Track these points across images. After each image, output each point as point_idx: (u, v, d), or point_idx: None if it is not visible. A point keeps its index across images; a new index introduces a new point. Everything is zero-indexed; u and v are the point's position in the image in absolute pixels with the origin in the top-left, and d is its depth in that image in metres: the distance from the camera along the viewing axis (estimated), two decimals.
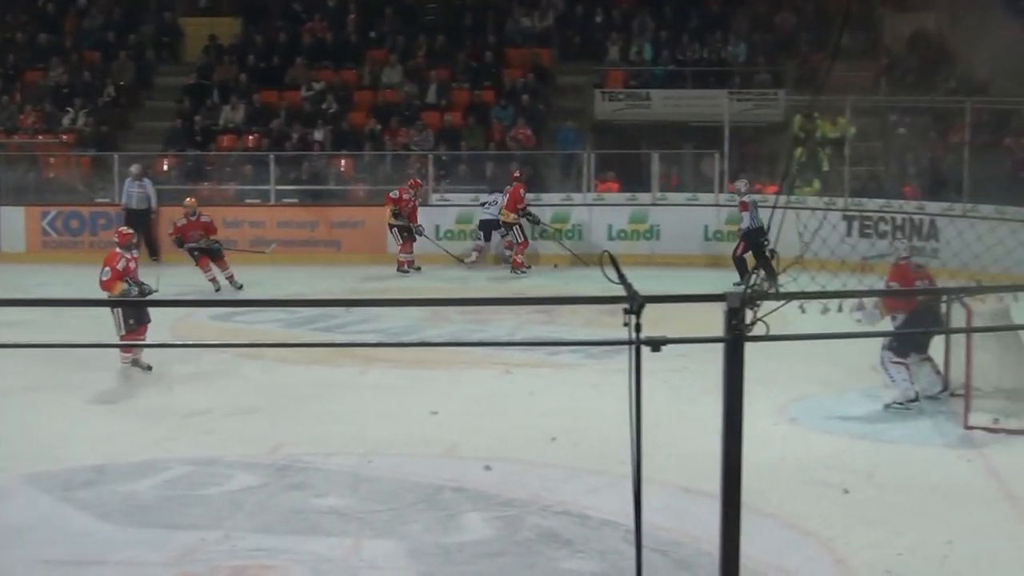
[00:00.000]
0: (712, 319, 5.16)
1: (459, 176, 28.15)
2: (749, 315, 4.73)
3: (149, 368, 16.50)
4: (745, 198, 22.73)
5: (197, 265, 23.00)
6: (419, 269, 25.13)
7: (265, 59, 31.98)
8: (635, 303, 4.80)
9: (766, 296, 4.78)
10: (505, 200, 25.27)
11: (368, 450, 13.30)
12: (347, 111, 30.24)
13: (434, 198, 27.13)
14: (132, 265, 16.76)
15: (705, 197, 26.31)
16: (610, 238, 25.46)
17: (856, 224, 24.36)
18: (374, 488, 12.09)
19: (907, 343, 14.96)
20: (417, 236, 25.60)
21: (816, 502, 12.00)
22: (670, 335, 4.88)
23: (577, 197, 26.68)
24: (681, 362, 15.39)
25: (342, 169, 29.53)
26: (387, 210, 25.69)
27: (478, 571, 10.42)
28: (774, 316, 4.79)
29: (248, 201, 28.71)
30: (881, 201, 24.75)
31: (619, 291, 4.85)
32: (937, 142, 26.53)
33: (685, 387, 14.92)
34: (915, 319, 14.87)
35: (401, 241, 25.59)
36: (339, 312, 19.65)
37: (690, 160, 29.07)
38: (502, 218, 25.29)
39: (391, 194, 25.73)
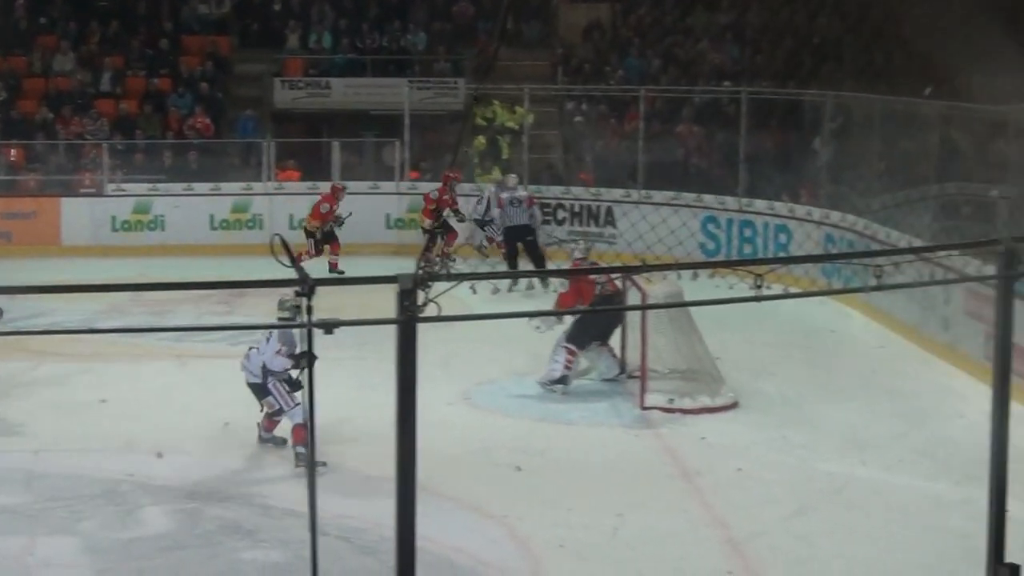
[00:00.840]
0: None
1: (136, 165, 27.49)
2: (422, 297, 4.76)
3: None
4: (503, 195, 22.29)
5: None
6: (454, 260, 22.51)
7: None
8: (306, 286, 4.79)
9: (437, 277, 4.81)
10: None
11: (41, 446, 12.94)
12: (16, 99, 29.23)
13: (110, 188, 26.45)
14: None
15: (386, 185, 26.31)
16: (291, 227, 25.17)
17: (536, 211, 24.73)
18: (48, 484, 11.77)
19: (586, 333, 15.27)
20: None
21: (497, 484, 12.21)
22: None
23: (257, 186, 26.37)
24: (366, 350, 15.40)
25: (12, 159, 28.49)
26: (424, 217, 23.06)
27: (158, 565, 10.27)
28: (450, 301, 4.83)
29: None
30: (560, 188, 25.20)
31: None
32: (613, 130, 27.14)
33: (368, 374, 14.94)
34: (593, 314, 15.23)
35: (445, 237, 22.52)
36: (4, 305, 18.99)
37: (371, 148, 29.03)
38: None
39: (431, 195, 23.26)
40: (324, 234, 23.32)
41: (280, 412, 12.80)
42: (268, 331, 13.26)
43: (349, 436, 12.59)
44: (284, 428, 12.87)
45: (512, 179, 22.68)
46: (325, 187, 25.79)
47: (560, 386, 15.02)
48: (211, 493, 11.89)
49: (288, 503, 11.22)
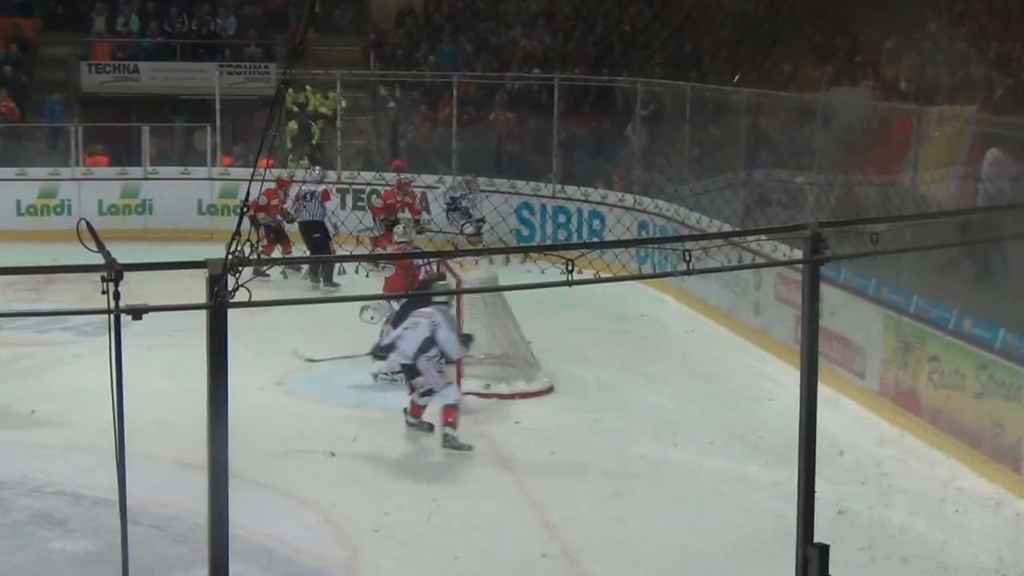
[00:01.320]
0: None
1: None
2: (232, 282, 4.67)
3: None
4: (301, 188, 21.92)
5: None
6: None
7: None
8: (113, 271, 4.67)
9: (247, 262, 4.73)
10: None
11: None
12: None
13: None
14: None
15: (198, 171, 25.97)
16: (101, 213, 24.72)
17: (350, 197, 24.60)
18: None
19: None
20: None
21: (312, 470, 12.17)
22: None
23: (65, 172, 25.82)
24: (179, 337, 15.19)
25: None
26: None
27: None
28: (264, 289, 4.74)
29: None
30: (372, 174, 25.10)
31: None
32: (426, 117, 27.13)
33: (182, 361, 14.70)
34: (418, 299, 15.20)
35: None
36: None
37: (182, 133, 28.63)
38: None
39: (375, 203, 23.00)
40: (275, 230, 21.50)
41: (431, 392, 13.05)
42: (414, 318, 13.40)
43: (161, 424, 12.37)
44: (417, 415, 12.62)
45: (315, 173, 22.42)
46: (135, 172, 25.40)
47: (401, 375, 14.90)
48: (20, 482, 11.62)
49: (99, 492, 11.00)
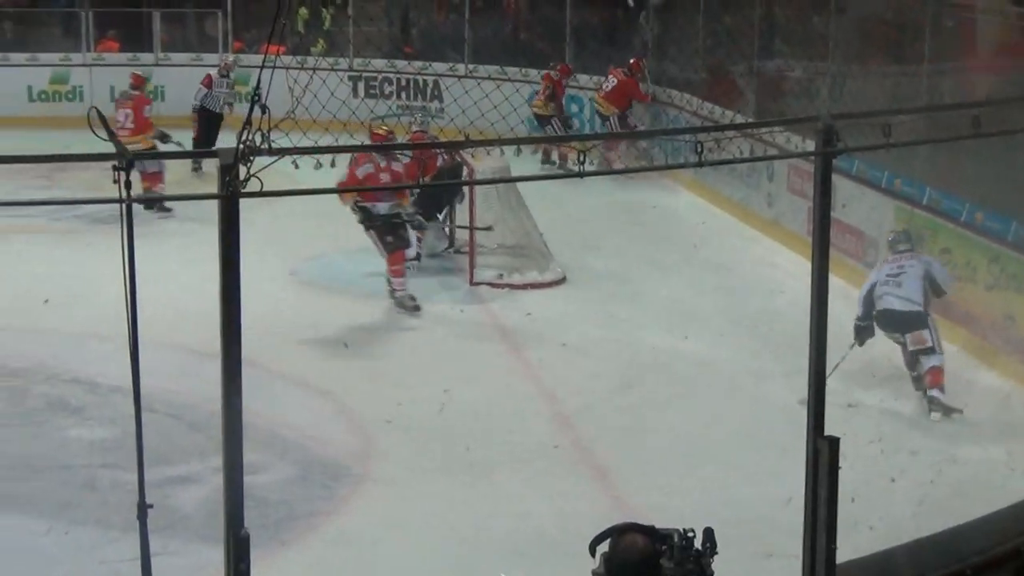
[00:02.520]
0: None
1: None
2: (244, 171, 4.65)
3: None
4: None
5: None
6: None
7: None
8: (124, 160, 4.66)
9: (259, 151, 4.71)
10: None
11: None
12: None
13: None
14: None
15: (209, 57, 25.81)
16: (112, 99, 24.59)
17: (362, 85, 24.48)
18: None
19: (427, 205, 15.19)
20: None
21: (325, 360, 12.22)
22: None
23: (76, 57, 25.70)
24: (192, 226, 15.23)
25: None
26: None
27: None
28: (275, 177, 4.72)
29: None
30: (383, 62, 24.94)
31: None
32: (438, 3, 26.93)
33: (195, 249, 14.69)
34: (436, 181, 15.19)
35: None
36: None
37: (192, 19, 28.42)
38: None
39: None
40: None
41: (932, 351, 11.39)
42: (904, 254, 11.92)
43: (176, 312, 12.40)
44: None
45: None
46: (147, 58, 25.28)
47: (415, 263, 14.90)
48: (36, 370, 11.68)
49: (114, 380, 10.99)
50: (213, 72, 21.60)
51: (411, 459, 10.19)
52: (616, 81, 21.03)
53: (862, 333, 11.59)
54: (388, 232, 13.93)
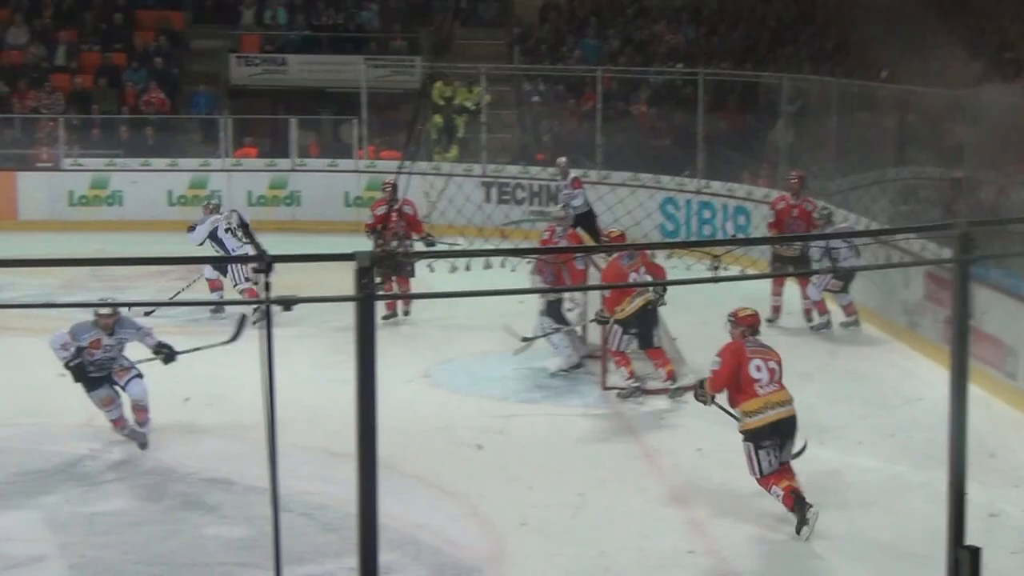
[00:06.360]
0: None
1: (92, 140, 27.28)
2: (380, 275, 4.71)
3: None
4: (572, 175, 21.63)
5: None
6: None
7: None
8: (264, 262, 4.75)
9: (394, 255, 4.78)
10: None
11: (1, 421, 12.82)
12: None
13: (67, 163, 26.30)
14: None
15: (344, 163, 26.26)
16: (250, 204, 25.09)
17: (495, 191, 24.74)
18: (8, 459, 11.63)
19: (559, 311, 15.24)
20: None
21: (459, 462, 12.21)
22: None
23: (215, 163, 26.27)
24: (324, 327, 15.41)
25: None
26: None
27: (122, 540, 10.28)
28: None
29: None
30: (516, 168, 25.18)
31: None
32: (570, 111, 27.15)
33: (327, 351, 14.86)
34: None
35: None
36: None
37: (328, 126, 28.93)
38: None
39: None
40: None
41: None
42: None
43: (309, 413, 12.52)
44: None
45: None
46: (284, 164, 25.71)
47: (579, 368, 15.01)
48: (173, 469, 11.85)
49: (249, 480, 11.18)
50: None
51: (545, 564, 10.12)
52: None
53: None
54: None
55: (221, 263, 16.92)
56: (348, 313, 4.68)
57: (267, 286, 4.78)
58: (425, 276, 17.44)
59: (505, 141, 27.32)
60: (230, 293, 17.52)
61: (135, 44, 29.61)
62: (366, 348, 4.65)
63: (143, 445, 12.28)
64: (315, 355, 14.65)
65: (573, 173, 21.89)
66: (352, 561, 4.60)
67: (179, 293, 17.68)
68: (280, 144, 26.96)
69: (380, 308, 16.13)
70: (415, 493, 11.06)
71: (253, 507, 10.67)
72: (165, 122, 27.66)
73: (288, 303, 4.83)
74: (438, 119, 25.88)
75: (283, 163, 26.16)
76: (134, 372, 12.41)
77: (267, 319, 4.81)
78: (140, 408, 12.43)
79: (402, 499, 10.44)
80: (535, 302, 15.28)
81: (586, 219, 20.96)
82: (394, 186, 17.06)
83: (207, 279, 17.82)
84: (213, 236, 17.83)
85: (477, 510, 11.01)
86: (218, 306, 16.83)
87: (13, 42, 29.41)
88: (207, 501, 11.09)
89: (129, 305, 13.91)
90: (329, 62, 29.36)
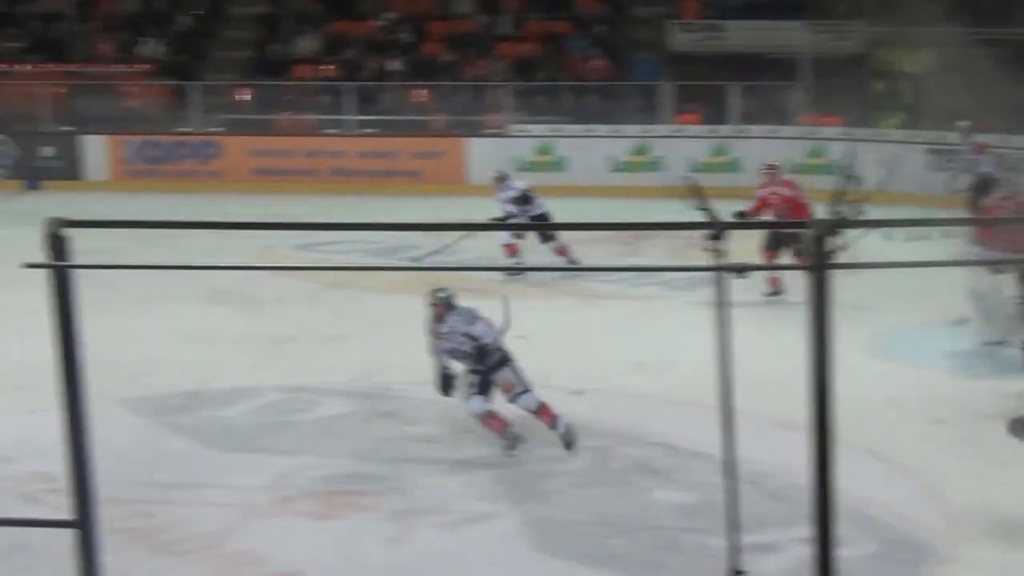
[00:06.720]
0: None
1: (536, 107, 28.01)
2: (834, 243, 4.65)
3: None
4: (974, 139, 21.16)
5: None
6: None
7: None
8: (717, 229, 4.76)
9: (851, 223, 4.71)
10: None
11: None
12: (421, 41, 30.18)
13: (513, 129, 27.07)
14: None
15: (786, 130, 26.03)
16: (688, 171, 25.18)
17: (940, 158, 24.02)
18: (465, 418, 11.98)
19: None
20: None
21: (909, 436, 11.85)
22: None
23: (656, 129, 26.51)
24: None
25: (418, 100, 29.35)
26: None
27: (571, 501, 10.46)
28: (861, 249, 4.68)
29: (327, 131, 28.79)
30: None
31: None
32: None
33: (771, 318, 14.77)
34: None
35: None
36: (420, 242, 19.66)
37: (767, 92, 28.70)
38: None
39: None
40: None
41: None
42: None
43: (756, 380, 12.46)
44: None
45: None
46: (724, 130, 25.66)
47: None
48: (621, 432, 12.00)
49: (695, 445, 11.14)
50: None
51: (1004, 548, 9.67)
52: None
53: None
54: None
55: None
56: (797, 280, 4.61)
57: (719, 253, 4.80)
58: (879, 246, 16.95)
59: (951, 107, 26.46)
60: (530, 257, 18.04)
61: (578, 12, 30.14)
62: (819, 319, 4.59)
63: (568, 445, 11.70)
64: (759, 321, 14.52)
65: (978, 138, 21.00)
66: (799, 532, 4.58)
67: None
68: (719, 111, 26.97)
69: (761, 284, 16.04)
70: (863, 466, 10.77)
71: (696, 473, 10.73)
72: (607, 89, 28.09)
73: (741, 269, 4.84)
74: (880, 85, 25.34)
75: (724, 129, 26.14)
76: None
77: (721, 286, 4.83)
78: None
79: (849, 471, 10.20)
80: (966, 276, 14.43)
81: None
82: (776, 167, 16.86)
83: (503, 245, 18.39)
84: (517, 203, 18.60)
85: (930, 487, 10.68)
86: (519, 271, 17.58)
87: (459, 11, 30.39)
88: (653, 465, 11.18)
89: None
90: (769, 27, 29.13)
